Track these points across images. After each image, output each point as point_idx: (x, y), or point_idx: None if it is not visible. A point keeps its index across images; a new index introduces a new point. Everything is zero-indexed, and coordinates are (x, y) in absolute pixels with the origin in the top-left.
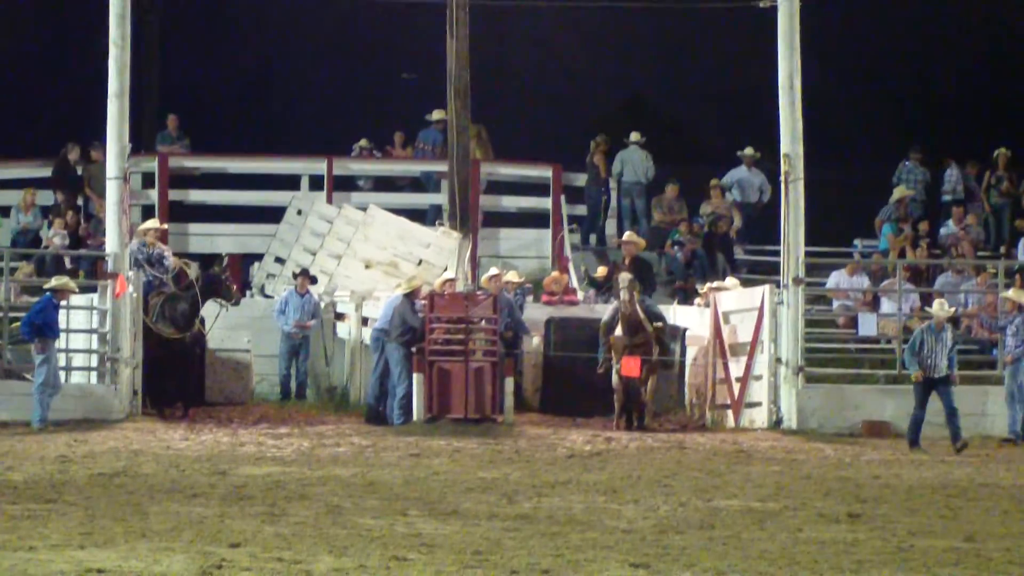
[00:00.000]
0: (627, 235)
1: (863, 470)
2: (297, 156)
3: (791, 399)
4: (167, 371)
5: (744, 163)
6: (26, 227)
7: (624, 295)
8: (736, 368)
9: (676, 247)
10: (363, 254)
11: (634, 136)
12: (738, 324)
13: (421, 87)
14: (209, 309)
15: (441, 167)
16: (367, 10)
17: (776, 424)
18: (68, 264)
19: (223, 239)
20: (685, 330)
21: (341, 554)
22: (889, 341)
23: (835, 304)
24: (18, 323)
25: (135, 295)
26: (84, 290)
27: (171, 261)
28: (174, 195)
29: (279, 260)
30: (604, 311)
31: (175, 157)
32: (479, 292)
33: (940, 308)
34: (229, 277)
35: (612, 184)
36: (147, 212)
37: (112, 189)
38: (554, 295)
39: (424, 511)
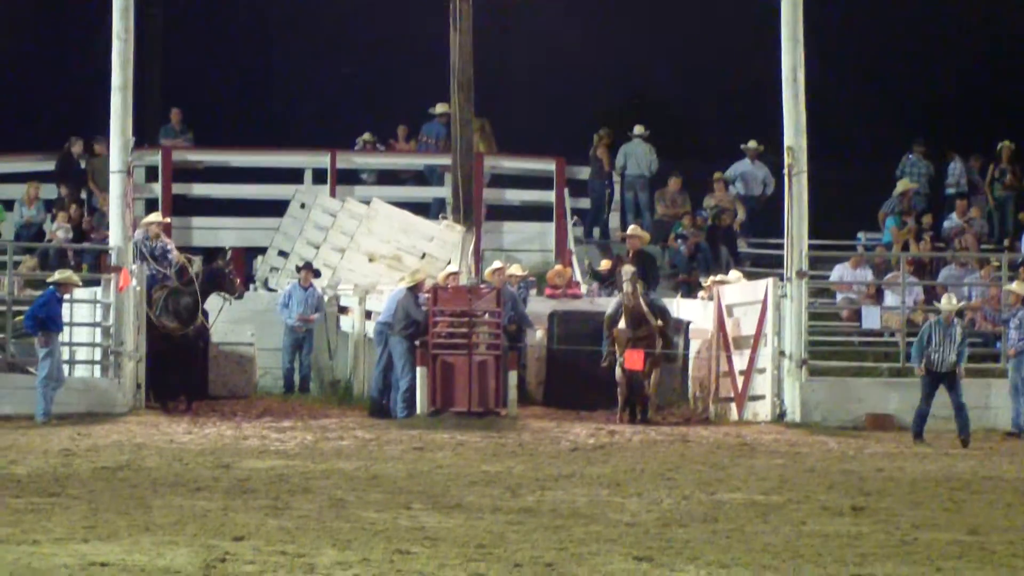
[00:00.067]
0: (631, 228)
1: (867, 463)
2: (301, 150)
3: (795, 392)
4: (171, 365)
5: (747, 156)
6: (29, 221)
7: (627, 288)
8: (740, 361)
9: (680, 240)
10: (366, 247)
11: (638, 129)
12: (742, 317)
13: (424, 81)
14: (213, 303)
15: (445, 160)
16: (371, 3)
17: (780, 417)
18: (71, 258)
19: (227, 233)
20: (689, 323)
21: (345, 547)
22: (892, 334)
23: (839, 297)
24: (22, 317)
25: (139, 289)
26: (87, 284)
27: (175, 255)
28: (178, 189)
29: (283, 254)
30: (607, 304)
31: (179, 151)
32: (483, 285)
33: (948, 303)
34: (232, 271)
35: (616, 177)
36: (151, 206)
37: (115, 183)
38: (557, 288)
39: (428, 504)
